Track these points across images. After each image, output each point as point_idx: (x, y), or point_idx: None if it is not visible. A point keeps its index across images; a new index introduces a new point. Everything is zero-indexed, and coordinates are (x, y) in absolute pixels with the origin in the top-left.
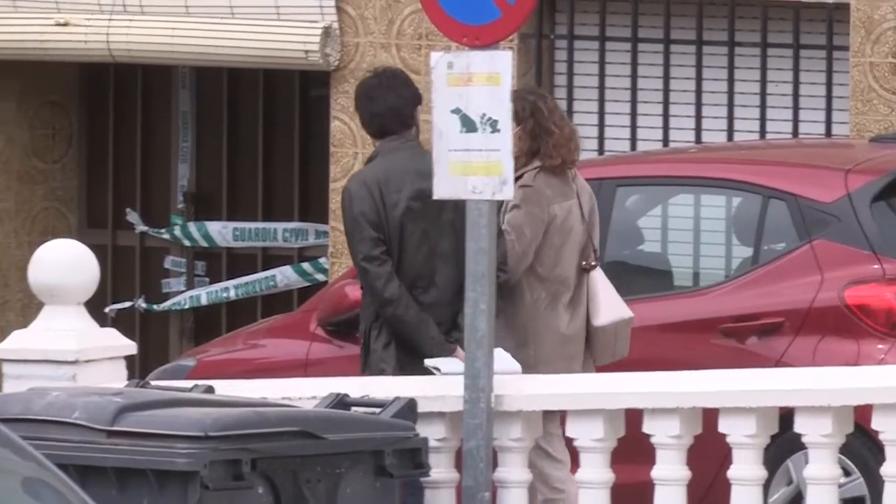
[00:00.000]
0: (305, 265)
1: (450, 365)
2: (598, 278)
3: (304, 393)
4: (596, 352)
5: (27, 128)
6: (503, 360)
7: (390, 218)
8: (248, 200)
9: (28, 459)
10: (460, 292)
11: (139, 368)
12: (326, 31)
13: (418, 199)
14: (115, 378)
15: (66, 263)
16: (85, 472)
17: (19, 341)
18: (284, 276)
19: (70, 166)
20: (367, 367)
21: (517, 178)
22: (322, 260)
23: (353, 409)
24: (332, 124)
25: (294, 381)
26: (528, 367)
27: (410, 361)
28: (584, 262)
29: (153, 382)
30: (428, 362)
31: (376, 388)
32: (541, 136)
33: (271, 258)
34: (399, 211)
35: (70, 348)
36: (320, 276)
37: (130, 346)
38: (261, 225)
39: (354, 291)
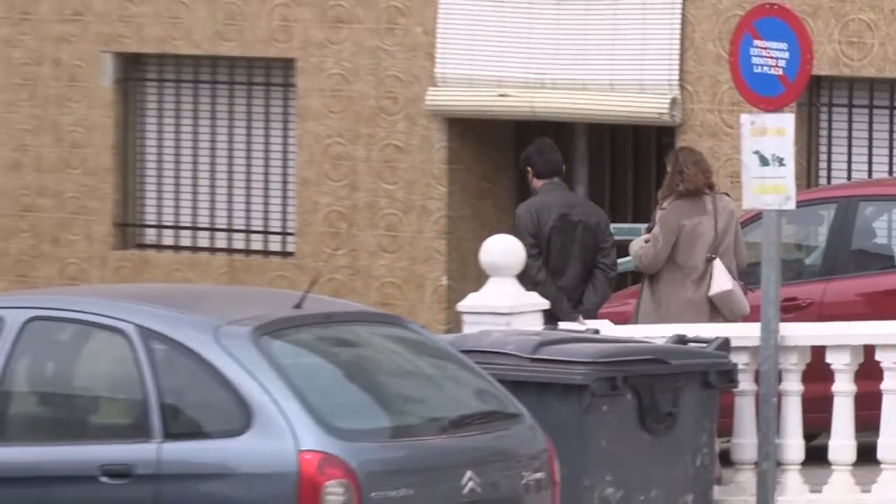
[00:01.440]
0: None
1: (575, 328)
2: (717, 265)
3: (658, 334)
4: (721, 312)
5: (480, 161)
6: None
7: (542, 232)
8: (621, 205)
9: (478, 377)
10: (583, 281)
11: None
12: (673, 101)
13: (560, 221)
14: (535, 324)
15: (504, 250)
16: (514, 386)
17: (474, 300)
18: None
19: (508, 187)
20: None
21: (660, 205)
22: None
23: (689, 344)
24: None
25: (651, 327)
26: (661, 319)
27: (552, 323)
28: (709, 255)
29: (560, 326)
30: (560, 325)
31: (704, 331)
32: (675, 176)
33: None
34: (548, 228)
35: (506, 304)
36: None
37: (545, 304)
38: (631, 225)
39: None
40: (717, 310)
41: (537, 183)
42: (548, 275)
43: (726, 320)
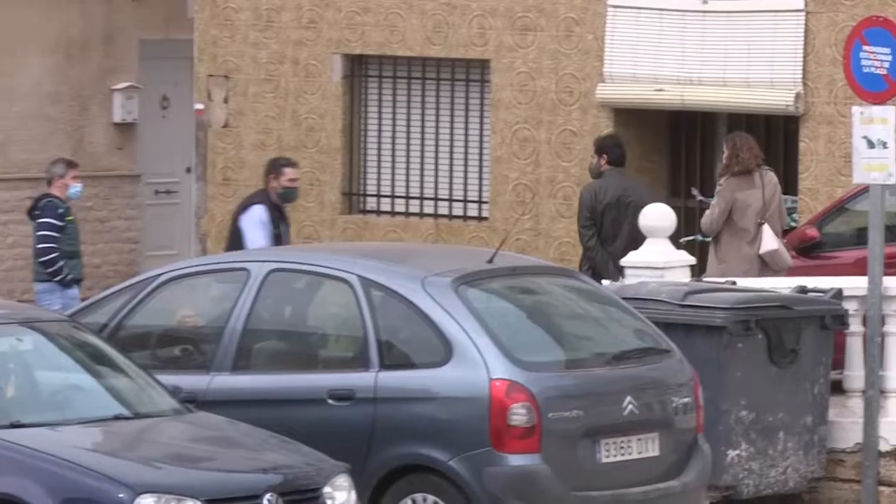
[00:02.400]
0: (785, 217)
1: (716, 280)
2: (765, 229)
3: (784, 285)
4: (769, 266)
5: (640, 144)
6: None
7: (598, 207)
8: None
9: (636, 319)
10: (630, 249)
11: (695, 274)
12: (797, 95)
13: (615, 201)
14: (683, 277)
15: (658, 216)
16: (666, 327)
17: (634, 257)
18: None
19: (663, 165)
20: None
21: (719, 181)
22: (794, 215)
23: (809, 294)
24: (801, 144)
25: (778, 280)
26: (723, 273)
27: (598, 280)
28: (759, 220)
29: (704, 279)
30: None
31: (822, 282)
32: (732, 159)
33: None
34: (602, 205)
35: (660, 260)
36: (793, 224)
37: (691, 260)
38: None
39: (811, 231)
40: (765, 264)
41: (605, 167)
42: (598, 242)
43: (773, 273)
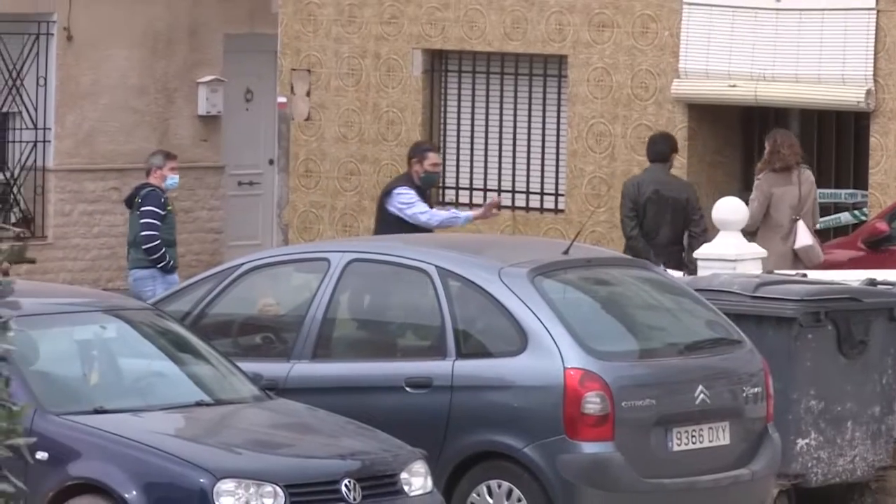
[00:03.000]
0: (855, 212)
1: (788, 273)
2: (800, 225)
3: (853, 278)
4: (802, 261)
5: (714, 138)
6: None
7: (640, 200)
8: (825, 176)
9: (709, 310)
10: (673, 242)
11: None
12: (868, 92)
13: (655, 195)
14: (755, 269)
15: (731, 209)
16: (737, 318)
17: (707, 249)
18: (845, 217)
19: (736, 159)
20: None
21: (757, 176)
22: (864, 209)
23: (879, 286)
24: (871, 139)
25: (848, 272)
26: (763, 267)
27: None
28: (794, 216)
29: (776, 271)
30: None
31: (890, 275)
32: (773, 155)
33: (839, 208)
34: (644, 197)
35: (732, 252)
36: (863, 218)
37: (762, 252)
38: (833, 190)
39: (881, 225)
40: (798, 259)
41: (648, 164)
42: (640, 233)
43: (805, 268)
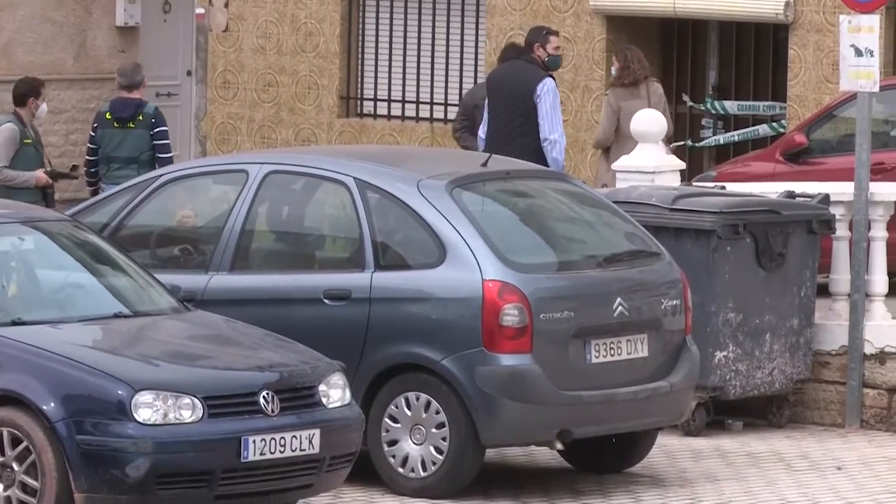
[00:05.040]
0: (774, 124)
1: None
2: None
3: (772, 190)
4: None
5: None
6: None
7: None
8: (743, 88)
9: (627, 222)
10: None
11: (685, 178)
12: (787, 4)
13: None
14: (673, 182)
15: (650, 121)
16: (656, 230)
17: (625, 161)
18: (763, 129)
19: (653, 72)
20: None
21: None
22: (783, 122)
23: (797, 198)
24: (790, 52)
25: (766, 185)
26: (612, 179)
27: None
28: None
29: (694, 183)
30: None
31: (809, 188)
32: (624, 70)
33: (758, 120)
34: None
35: (650, 165)
36: (781, 130)
37: (681, 164)
38: (752, 102)
39: (800, 137)
40: None
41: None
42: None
43: None
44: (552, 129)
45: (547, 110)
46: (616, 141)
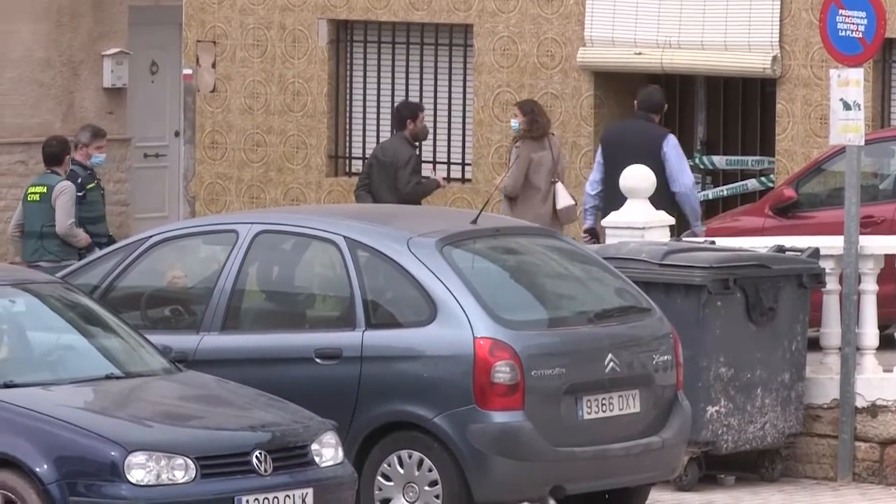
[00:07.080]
0: (763, 178)
1: (696, 240)
2: (559, 186)
3: (761, 244)
4: (561, 221)
5: (620, 107)
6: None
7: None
8: (732, 143)
9: (617, 278)
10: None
11: (675, 233)
12: (774, 58)
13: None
14: (663, 237)
15: (639, 177)
16: (646, 286)
17: (615, 217)
18: (752, 184)
19: None
20: None
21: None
22: (771, 176)
23: (787, 253)
24: (778, 106)
25: (756, 239)
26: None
27: None
28: (552, 179)
29: (684, 239)
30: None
31: (798, 242)
32: (532, 123)
33: (747, 174)
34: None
35: (640, 220)
36: (770, 184)
37: (670, 220)
38: (740, 157)
39: (789, 191)
40: (556, 219)
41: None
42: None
43: (562, 228)
44: (684, 180)
45: (675, 162)
46: (524, 191)
